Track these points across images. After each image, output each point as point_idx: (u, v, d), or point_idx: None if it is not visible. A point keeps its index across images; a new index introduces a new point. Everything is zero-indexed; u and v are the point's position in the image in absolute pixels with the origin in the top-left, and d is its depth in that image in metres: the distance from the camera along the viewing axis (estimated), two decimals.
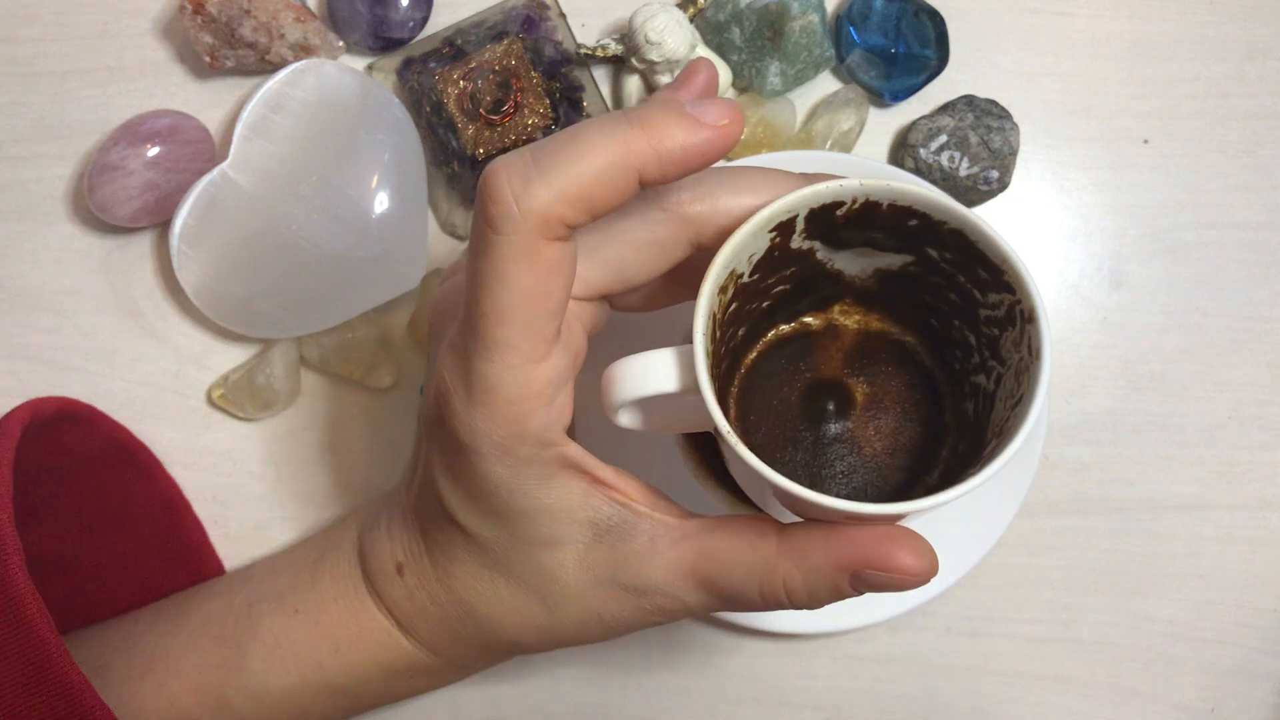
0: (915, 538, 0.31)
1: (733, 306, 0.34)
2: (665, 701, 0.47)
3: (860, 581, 0.31)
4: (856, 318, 0.37)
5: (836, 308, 0.37)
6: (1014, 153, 0.46)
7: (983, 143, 0.46)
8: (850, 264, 0.36)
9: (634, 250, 0.32)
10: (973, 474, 0.30)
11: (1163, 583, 0.47)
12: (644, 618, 0.34)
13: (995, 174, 0.46)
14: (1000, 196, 0.47)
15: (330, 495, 0.48)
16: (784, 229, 0.33)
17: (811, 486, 0.30)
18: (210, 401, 0.48)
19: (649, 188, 0.30)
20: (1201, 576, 0.47)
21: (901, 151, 0.47)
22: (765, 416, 0.37)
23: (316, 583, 0.40)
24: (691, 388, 0.31)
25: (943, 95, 0.47)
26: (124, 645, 0.40)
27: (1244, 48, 0.48)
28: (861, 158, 0.46)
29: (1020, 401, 0.31)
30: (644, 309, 0.35)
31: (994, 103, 0.47)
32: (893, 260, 0.35)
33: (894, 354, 0.37)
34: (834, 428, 0.36)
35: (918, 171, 0.46)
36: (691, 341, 0.31)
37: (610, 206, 0.29)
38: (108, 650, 0.40)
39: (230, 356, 0.48)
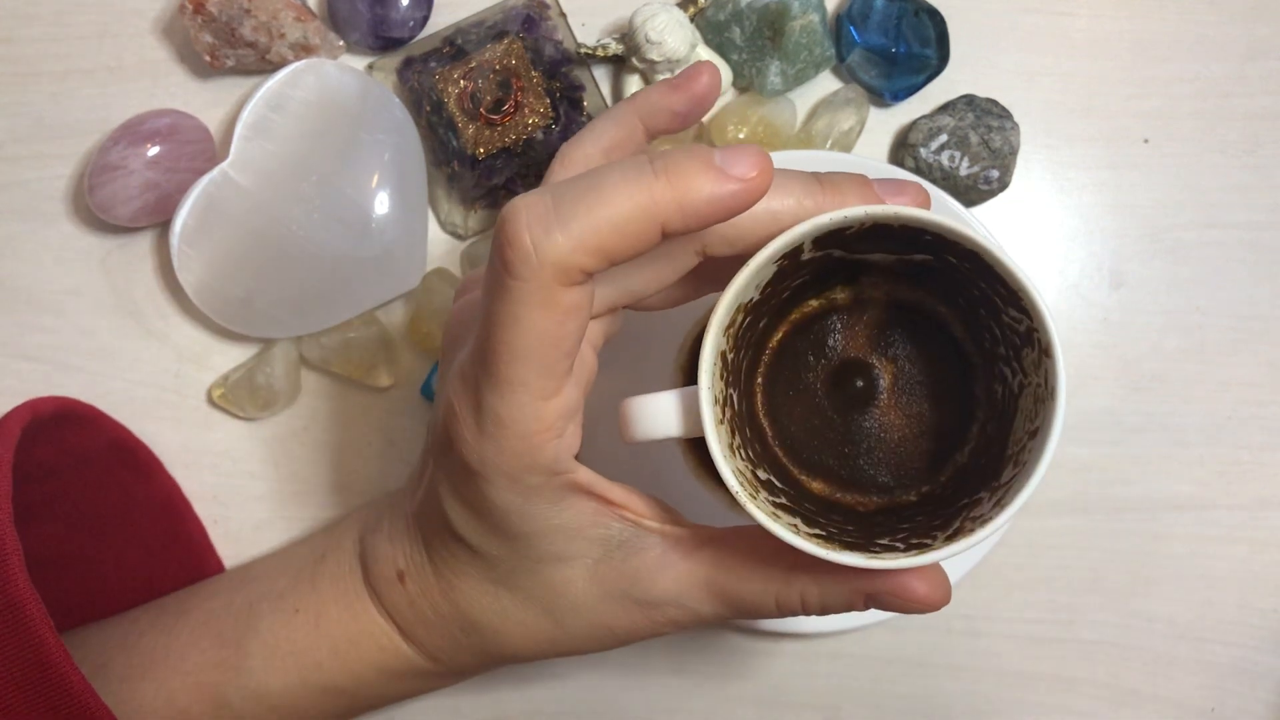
0: (932, 566, 0.32)
1: (745, 321, 0.33)
2: (665, 701, 0.47)
3: (874, 601, 0.32)
4: (885, 289, 0.36)
5: (864, 279, 0.36)
6: (1014, 152, 0.46)
7: (983, 142, 0.46)
8: (870, 255, 0.35)
9: (640, 265, 0.32)
10: (990, 518, 0.30)
11: (1163, 583, 0.47)
12: (655, 628, 0.34)
13: (995, 174, 0.46)
14: (1000, 196, 0.47)
15: (330, 495, 0.48)
16: (790, 255, 0.32)
17: (841, 471, 0.29)
18: (210, 401, 0.48)
19: (671, 238, 0.29)
20: (1201, 576, 0.47)
21: (902, 151, 0.47)
22: (793, 401, 0.36)
23: (317, 583, 0.40)
24: (697, 432, 0.31)
25: (943, 95, 0.47)
26: (124, 643, 0.40)
27: (1244, 48, 0.48)
28: (862, 157, 0.46)
29: (1036, 435, 0.31)
30: (657, 308, 0.35)
31: (994, 102, 0.47)
32: (913, 255, 0.34)
33: (924, 324, 0.36)
34: (862, 408, 0.36)
35: (918, 171, 0.46)
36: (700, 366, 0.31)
37: (631, 256, 0.28)
38: (108, 648, 0.40)
39: (230, 356, 0.48)
